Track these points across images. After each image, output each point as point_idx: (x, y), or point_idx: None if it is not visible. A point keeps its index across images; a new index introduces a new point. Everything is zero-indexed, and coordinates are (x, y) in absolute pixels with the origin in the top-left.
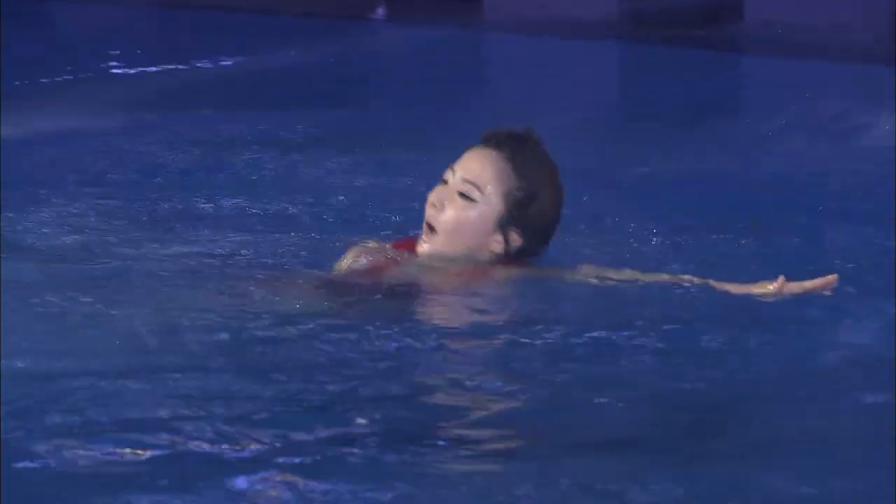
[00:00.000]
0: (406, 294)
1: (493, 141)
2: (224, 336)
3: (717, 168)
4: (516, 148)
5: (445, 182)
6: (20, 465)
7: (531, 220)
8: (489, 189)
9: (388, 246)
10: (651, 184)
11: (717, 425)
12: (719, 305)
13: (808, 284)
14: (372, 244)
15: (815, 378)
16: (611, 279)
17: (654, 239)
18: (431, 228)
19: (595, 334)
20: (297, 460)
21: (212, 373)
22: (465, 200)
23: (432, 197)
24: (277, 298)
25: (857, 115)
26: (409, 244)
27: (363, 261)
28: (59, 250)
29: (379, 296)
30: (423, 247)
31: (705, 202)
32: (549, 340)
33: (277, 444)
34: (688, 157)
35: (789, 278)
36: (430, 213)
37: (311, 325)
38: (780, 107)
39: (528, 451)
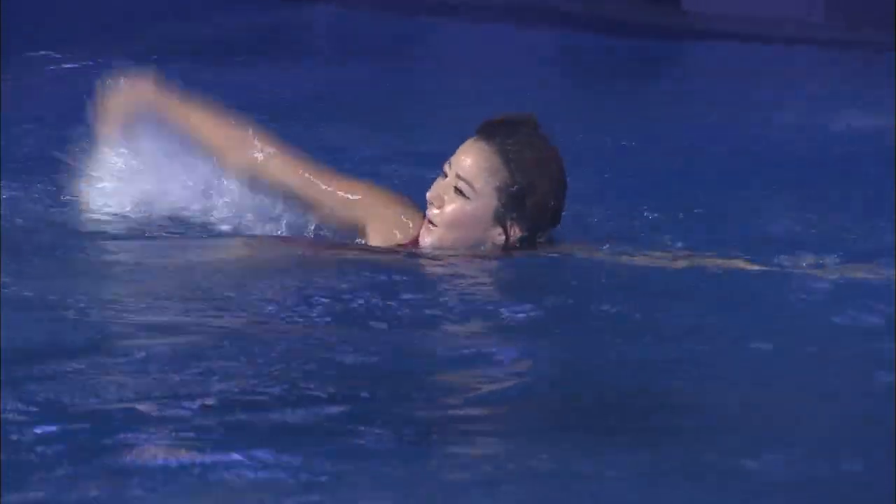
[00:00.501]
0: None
1: (486, 132)
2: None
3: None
4: (508, 138)
5: (445, 175)
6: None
7: (529, 211)
8: (481, 185)
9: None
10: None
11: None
12: (691, 283)
13: None
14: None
15: (778, 357)
16: (627, 256)
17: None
18: (431, 223)
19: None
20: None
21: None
22: (461, 196)
23: (431, 193)
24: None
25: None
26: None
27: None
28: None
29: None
30: (426, 240)
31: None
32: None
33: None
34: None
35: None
36: (430, 210)
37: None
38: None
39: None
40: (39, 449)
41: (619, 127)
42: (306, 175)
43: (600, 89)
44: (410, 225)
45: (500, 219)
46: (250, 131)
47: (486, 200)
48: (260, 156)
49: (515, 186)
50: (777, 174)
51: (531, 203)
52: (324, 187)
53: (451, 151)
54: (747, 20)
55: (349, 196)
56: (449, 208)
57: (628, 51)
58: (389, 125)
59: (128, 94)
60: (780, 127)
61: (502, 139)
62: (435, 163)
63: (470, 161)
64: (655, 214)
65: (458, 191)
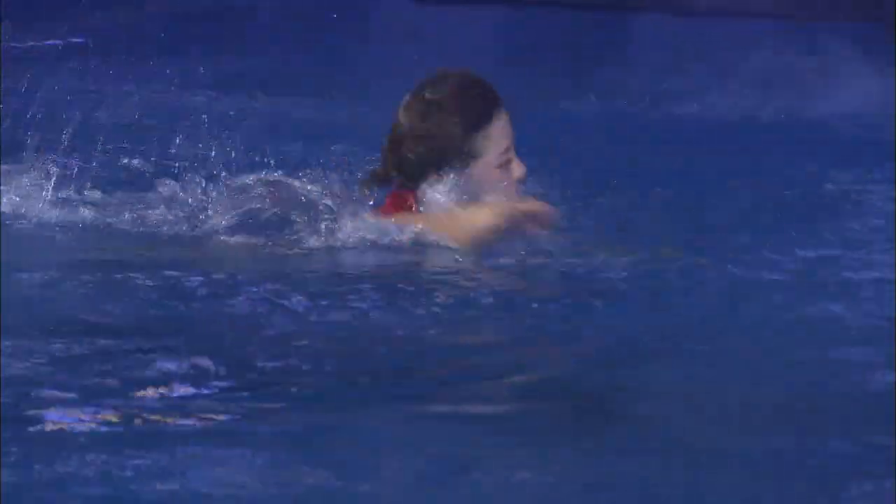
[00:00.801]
0: None
1: (493, 97)
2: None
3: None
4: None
5: (507, 158)
6: None
7: None
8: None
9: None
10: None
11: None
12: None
13: (527, 206)
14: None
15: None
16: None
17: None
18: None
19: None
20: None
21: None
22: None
23: (522, 173)
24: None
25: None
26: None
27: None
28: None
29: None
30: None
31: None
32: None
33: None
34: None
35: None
36: (518, 188)
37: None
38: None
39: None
40: None
41: (568, 100)
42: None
43: (550, 63)
44: None
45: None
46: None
47: None
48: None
49: None
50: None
51: None
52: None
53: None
54: None
55: None
56: (522, 171)
57: (578, 24)
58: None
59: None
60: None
61: (498, 97)
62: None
63: (510, 127)
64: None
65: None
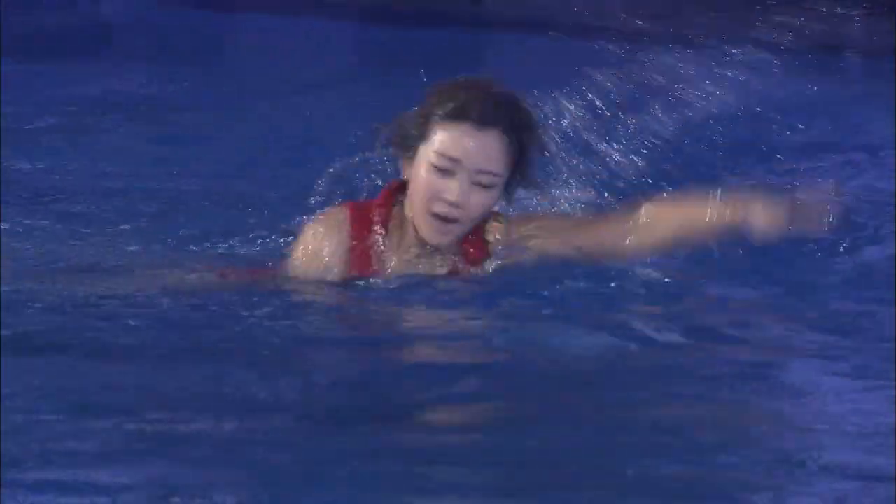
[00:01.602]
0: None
1: (481, 117)
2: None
3: None
4: (503, 114)
5: (451, 174)
6: None
7: (529, 168)
8: (502, 169)
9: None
10: None
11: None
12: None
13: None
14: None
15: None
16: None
17: None
18: (451, 221)
19: None
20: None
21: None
22: (483, 189)
23: (453, 196)
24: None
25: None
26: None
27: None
28: None
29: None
30: (442, 238)
31: None
32: None
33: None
34: None
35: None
36: (449, 211)
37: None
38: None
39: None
40: None
41: None
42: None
43: (399, 80)
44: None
45: (507, 187)
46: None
47: (503, 179)
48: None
49: (525, 156)
50: None
51: (531, 159)
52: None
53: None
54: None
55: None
56: (473, 203)
57: (427, 42)
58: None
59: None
60: None
61: (499, 117)
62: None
63: (486, 153)
64: None
65: (479, 184)
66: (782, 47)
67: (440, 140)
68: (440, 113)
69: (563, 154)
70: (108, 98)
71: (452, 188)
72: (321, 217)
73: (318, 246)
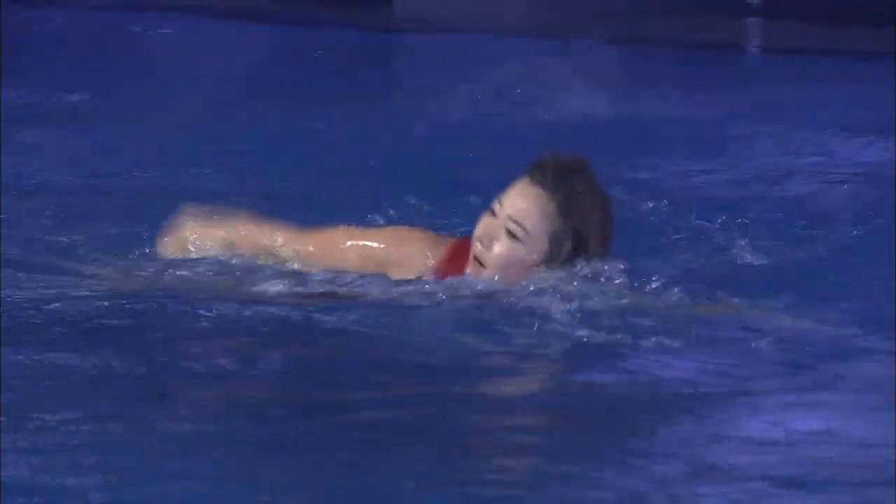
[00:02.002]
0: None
1: (540, 176)
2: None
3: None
4: (564, 185)
5: (493, 213)
6: None
7: (576, 254)
8: (536, 230)
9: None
10: None
11: None
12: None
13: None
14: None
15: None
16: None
17: None
18: (480, 262)
19: None
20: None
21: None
22: (512, 238)
23: (479, 231)
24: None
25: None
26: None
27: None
28: None
29: None
30: (474, 279)
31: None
32: None
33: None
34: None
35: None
36: (477, 248)
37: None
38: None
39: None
40: None
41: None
42: (322, 246)
43: (320, 82)
44: (429, 255)
45: (547, 262)
46: (267, 231)
47: (538, 244)
48: (289, 250)
49: (569, 235)
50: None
51: (581, 251)
52: (342, 247)
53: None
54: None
55: (365, 246)
56: (498, 249)
57: (345, 44)
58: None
59: (174, 236)
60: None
61: (557, 185)
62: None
63: (524, 205)
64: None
65: (510, 233)
66: None
67: (506, 197)
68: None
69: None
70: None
71: (483, 224)
72: (423, 236)
73: (398, 254)
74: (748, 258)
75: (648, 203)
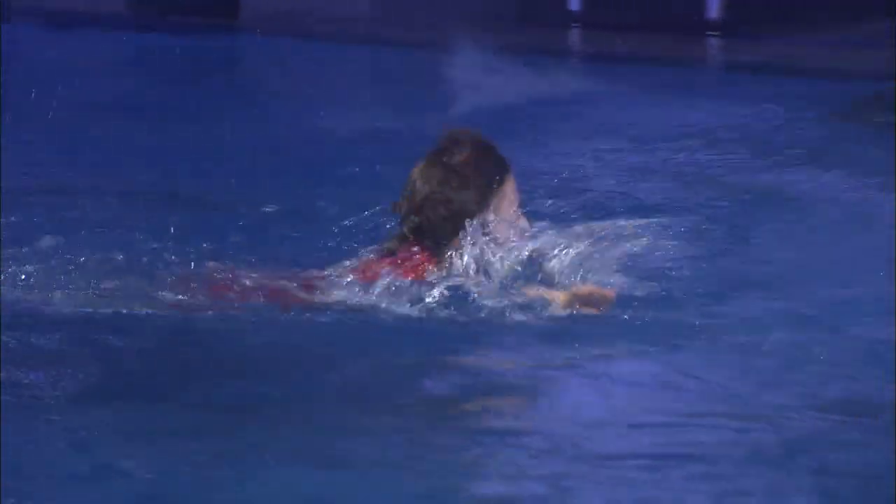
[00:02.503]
0: None
1: (507, 163)
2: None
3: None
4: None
5: (519, 216)
6: None
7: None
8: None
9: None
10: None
11: None
12: None
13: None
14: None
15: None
16: None
17: None
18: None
19: None
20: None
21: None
22: None
23: (527, 227)
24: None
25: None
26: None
27: None
28: None
29: None
30: None
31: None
32: None
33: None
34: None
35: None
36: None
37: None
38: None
39: None
40: None
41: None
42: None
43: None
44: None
45: None
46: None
47: None
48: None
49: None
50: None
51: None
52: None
53: None
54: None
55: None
56: (527, 225)
57: (193, 49)
58: None
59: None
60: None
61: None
62: None
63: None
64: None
65: None
66: None
67: (507, 204)
68: (490, 187)
69: None
70: None
71: (523, 224)
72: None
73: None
74: None
75: None
